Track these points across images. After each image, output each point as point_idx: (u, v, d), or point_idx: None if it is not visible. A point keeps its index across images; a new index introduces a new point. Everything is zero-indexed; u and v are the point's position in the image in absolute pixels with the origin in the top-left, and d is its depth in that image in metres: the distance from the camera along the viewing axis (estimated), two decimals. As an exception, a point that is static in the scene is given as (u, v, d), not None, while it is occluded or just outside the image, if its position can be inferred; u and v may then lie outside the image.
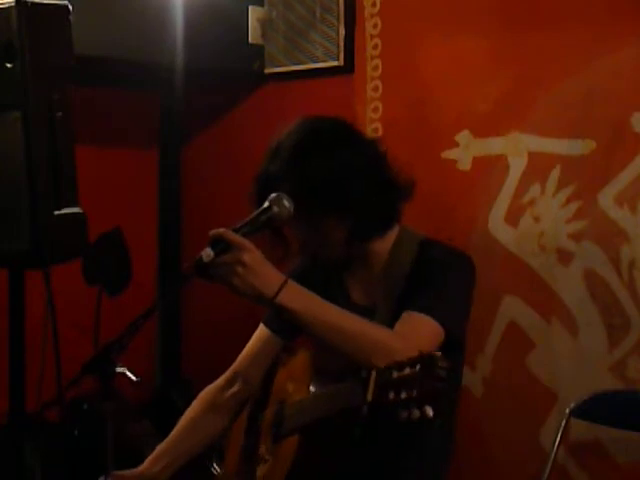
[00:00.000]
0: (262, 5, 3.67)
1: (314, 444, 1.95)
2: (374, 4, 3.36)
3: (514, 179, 3.04)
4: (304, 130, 2.05)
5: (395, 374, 1.61)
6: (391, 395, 1.60)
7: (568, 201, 2.92)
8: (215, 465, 3.31)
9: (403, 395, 1.58)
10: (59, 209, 2.39)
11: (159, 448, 2.25)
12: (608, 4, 2.84)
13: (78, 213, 2.45)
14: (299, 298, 1.84)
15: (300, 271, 2.23)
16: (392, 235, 2.11)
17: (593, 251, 2.87)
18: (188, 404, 2.33)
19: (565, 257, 2.93)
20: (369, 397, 1.65)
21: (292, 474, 1.97)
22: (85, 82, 2.78)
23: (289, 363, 2.18)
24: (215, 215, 3.96)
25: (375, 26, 3.36)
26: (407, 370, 1.60)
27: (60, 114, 2.38)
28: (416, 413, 1.59)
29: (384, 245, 2.10)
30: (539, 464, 2.70)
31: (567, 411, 2.69)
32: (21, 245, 2.38)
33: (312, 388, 2.03)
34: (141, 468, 2.23)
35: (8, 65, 2.35)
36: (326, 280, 2.18)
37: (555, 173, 2.95)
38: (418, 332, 1.94)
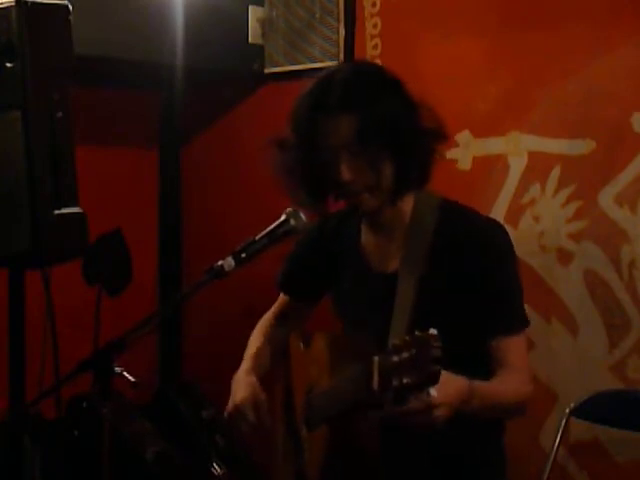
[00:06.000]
0: (262, 5, 3.67)
1: (341, 435, 1.97)
2: (374, 4, 3.36)
3: (514, 179, 3.04)
4: (371, 68, 2.13)
5: (395, 358, 1.62)
6: (395, 382, 1.61)
7: (568, 201, 2.92)
8: (215, 465, 3.31)
9: (405, 380, 1.59)
10: (59, 209, 2.39)
11: (257, 358, 2.29)
12: (608, 4, 2.84)
13: (78, 213, 2.45)
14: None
15: (309, 241, 2.22)
16: (410, 201, 2.06)
17: (593, 251, 2.87)
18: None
19: (565, 257, 2.93)
20: (374, 386, 1.66)
21: (326, 464, 2.00)
22: (85, 82, 2.78)
23: (310, 347, 2.20)
24: (215, 215, 3.96)
25: (375, 26, 3.36)
26: (404, 354, 1.60)
27: (60, 114, 2.38)
28: (423, 396, 1.62)
29: (404, 210, 2.06)
30: (539, 464, 2.69)
31: (567, 411, 2.68)
32: (21, 245, 2.38)
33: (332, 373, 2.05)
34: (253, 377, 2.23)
35: (8, 65, 2.35)
36: (339, 250, 2.16)
37: (555, 173, 2.95)
38: (523, 357, 2.03)
